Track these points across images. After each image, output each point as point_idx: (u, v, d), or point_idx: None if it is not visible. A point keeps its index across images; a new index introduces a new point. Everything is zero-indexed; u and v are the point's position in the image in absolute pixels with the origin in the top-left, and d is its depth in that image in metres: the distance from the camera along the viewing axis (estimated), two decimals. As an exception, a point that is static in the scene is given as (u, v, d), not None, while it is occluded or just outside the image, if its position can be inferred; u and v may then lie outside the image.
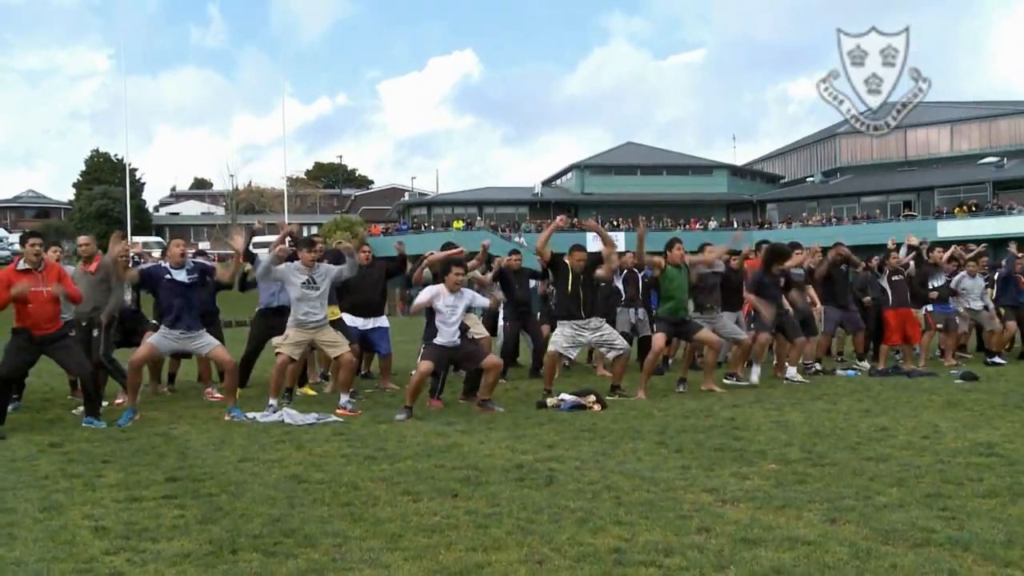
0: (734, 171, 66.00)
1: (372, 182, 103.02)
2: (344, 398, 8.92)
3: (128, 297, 10.33)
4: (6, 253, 58.00)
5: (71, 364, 8.35)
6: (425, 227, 58.90)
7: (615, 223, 58.69)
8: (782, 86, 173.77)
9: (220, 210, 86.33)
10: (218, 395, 10.30)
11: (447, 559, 3.98)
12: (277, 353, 8.88)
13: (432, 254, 10.02)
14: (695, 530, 4.35)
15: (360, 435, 7.44)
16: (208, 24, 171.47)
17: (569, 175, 65.42)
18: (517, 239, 54.22)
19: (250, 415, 8.51)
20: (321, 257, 9.35)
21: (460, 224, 56.33)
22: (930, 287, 13.17)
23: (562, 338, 9.50)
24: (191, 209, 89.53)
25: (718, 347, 10.36)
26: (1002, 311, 13.98)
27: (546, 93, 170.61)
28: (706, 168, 64.65)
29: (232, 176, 79.68)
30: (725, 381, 10.36)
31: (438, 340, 8.67)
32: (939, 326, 13.27)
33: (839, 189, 60.68)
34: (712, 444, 6.75)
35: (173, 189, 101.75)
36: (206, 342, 8.72)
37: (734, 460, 6.14)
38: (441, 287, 8.79)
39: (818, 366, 12.10)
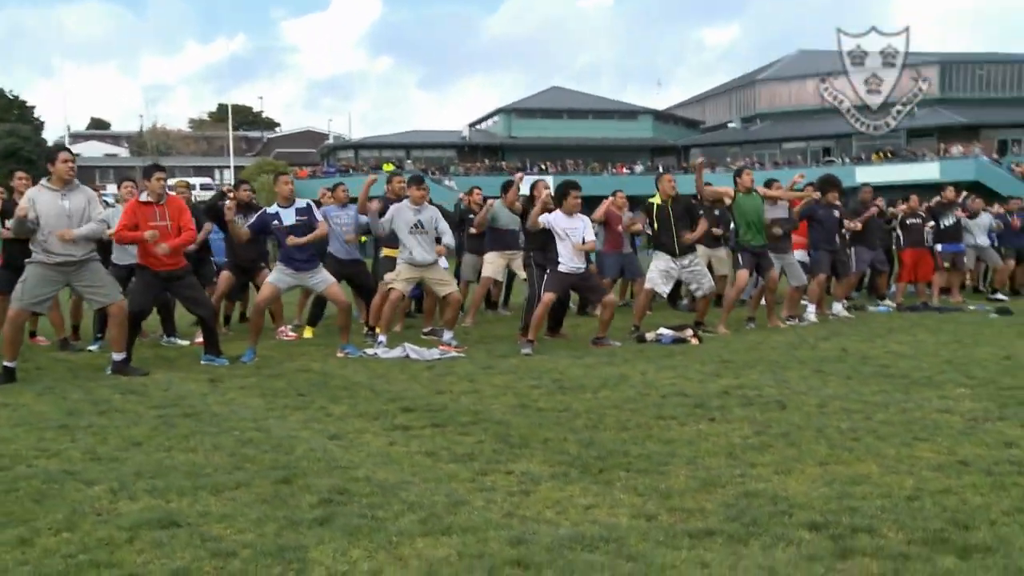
0: (658, 116, 66.80)
1: (279, 124, 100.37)
2: (448, 335, 8.98)
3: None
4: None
5: (193, 302, 8.14)
6: (353, 169, 57.82)
7: (543, 167, 58.85)
8: (698, 33, 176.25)
9: (123, 151, 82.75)
10: (291, 334, 10.20)
11: (816, 472, 4.15)
12: (390, 289, 8.87)
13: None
14: (1005, 444, 4.61)
15: (509, 369, 7.46)
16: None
17: (495, 119, 65.09)
18: (447, 182, 53.87)
19: (368, 351, 8.47)
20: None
21: (391, 166, 55.47)
22: (941, 225, 13.83)
23: (657, 274, 9.66)
24: (93, 150, 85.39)
25: (775, 287, 10.57)
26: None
27: (464, 35, 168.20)
28: (631, 113, 65.23)
29: (141, 116, 76.44)
30: (788, 323, 10.66)
31: (562, 267, 8.75)
32: (946, 264, 13.97)
33: (761, 135, 62.10)
34: (869, 371, 7.08)
35: (68, 129, 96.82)
36: (322, 279, 8.61)
37: (919, 384, 6.45)
38: (558, 212, 8.84)
39: (845, 303, 12.65)
